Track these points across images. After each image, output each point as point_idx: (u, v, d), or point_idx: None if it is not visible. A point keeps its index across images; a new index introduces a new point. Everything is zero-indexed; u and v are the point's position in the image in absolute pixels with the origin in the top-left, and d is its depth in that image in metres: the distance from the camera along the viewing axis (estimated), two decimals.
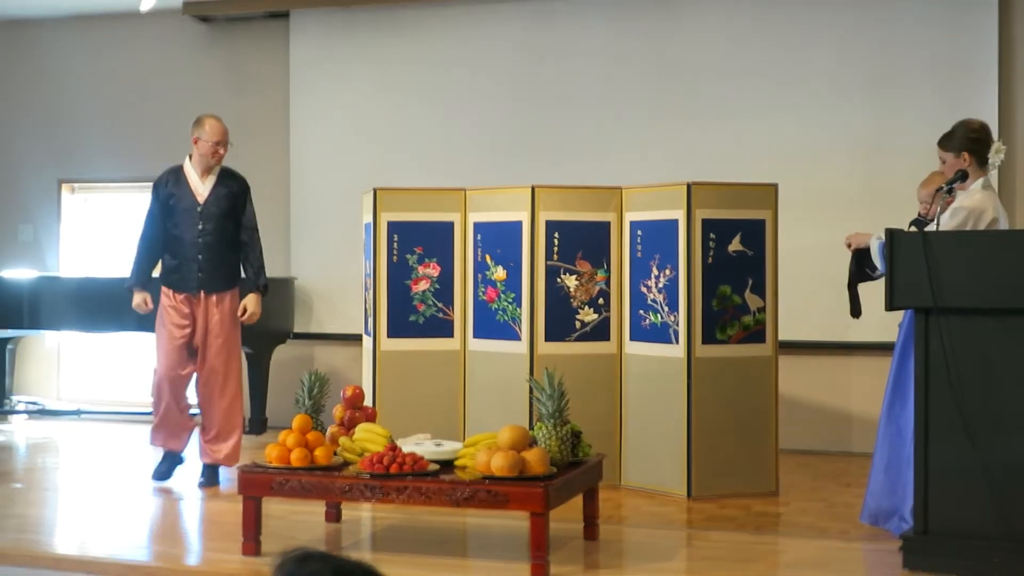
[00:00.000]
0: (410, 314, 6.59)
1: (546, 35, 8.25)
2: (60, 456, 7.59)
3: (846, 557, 4.98)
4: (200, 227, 6.23)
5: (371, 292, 6.66)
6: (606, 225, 6.39)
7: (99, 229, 9.53)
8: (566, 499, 4.73)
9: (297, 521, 5.46)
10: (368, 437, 4.99)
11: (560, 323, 6.34)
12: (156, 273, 6.47)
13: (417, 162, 8.37)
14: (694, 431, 6.05)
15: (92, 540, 5.33)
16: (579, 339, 6.36)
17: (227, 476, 6.32)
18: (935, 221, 4.80)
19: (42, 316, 8.30)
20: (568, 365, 5.85)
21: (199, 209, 6.24)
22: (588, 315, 6.37)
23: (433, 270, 6.61)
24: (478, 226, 6.57)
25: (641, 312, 6.28)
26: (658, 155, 7.85)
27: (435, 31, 8.50)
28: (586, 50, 8.14)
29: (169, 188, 6.29)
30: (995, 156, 5.04)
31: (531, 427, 5.08)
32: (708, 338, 6.10)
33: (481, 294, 6.54)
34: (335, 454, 4.92)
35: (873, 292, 5.28)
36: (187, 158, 6.35)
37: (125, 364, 9.22)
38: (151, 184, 6.47)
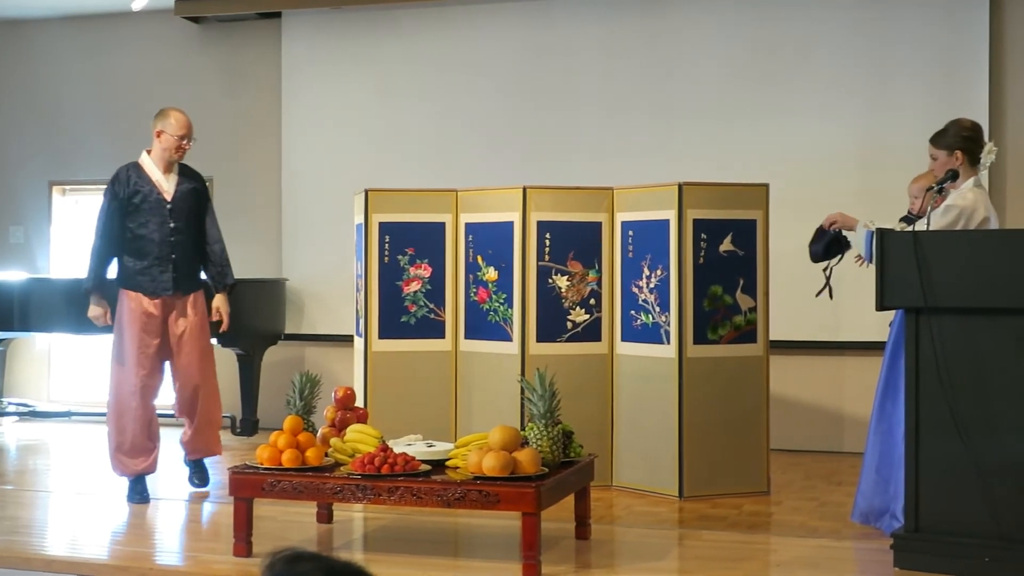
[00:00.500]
0: (401, 315, 6.58)
1: (538, 36, 8.25)
2: (51, 458, 7.58)
3: (838, 556, 4.99)
4: (172, 225, 5.97)
5: (362, 293, 6.65)
6: (597, 225, 6.39)
7: (90, 231, 9.49)
8: (558, 499, 4.72)
9: (288, 522, 5.45)
10: (359, 438, 4.99)
11: (551, 323, 6.34)
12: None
13: (409, 163, 8.37)
14: (685, 431, 6.06)
15: (83, 541, 5.32)
16: (570, 339, 6.36)
17: (218, 479, 6.31)
18: (926, 219, 4.81)
19: (32, 318, 8.29)
20: (560, 365, 5.84)
21: (168, 207, 5.98)
22: (579, 315, 6.37)
23: (424, 271, 6.61)
24: (470, 227, 6.57)
25: (632, 312, 6.28)
26: (650, 155, 7.86)
27: (426, 31, 8.50)
28: (578, 51, 8.14)
29: (132, 185, 5.95)
30: (987, 157, 5.07)
31: (522, 427, 5.08)
32: (699, 338, 6.11)
33: (472, 295, 6.54)
34: (326, 455, 4.92)
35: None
36: (144, 153, 6.05)
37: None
38: None
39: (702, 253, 6.12)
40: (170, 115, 5.99)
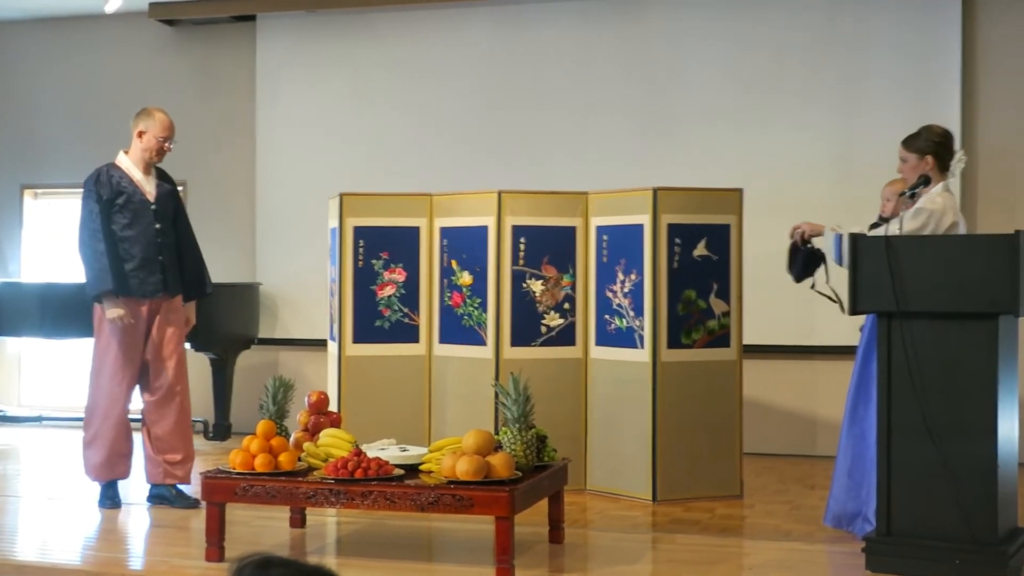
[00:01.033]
0: (375, 319, 6.57)
1: (515, 40, 8.26)
2: (21, 463, 7.52)
3: (810, 559, 5.00)
4: (158, 226, 5.86)
5: (336, 297, 6.63)
6: (572, 230, 6.40)
7: (62, 235, 9.45)
8: (531, 503, 4.72)
9: (261, 527, 5.43)
10: (333, 442, 4.97)
11: (526, 328, 6.34)
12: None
13: (384, 166, 8.35)
14: (659, 435, 6.07)
15: (54, 547, 5.28)
16: (545, 344, 6.36)
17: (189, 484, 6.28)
18: (899, 220, 4.84)
19: (3, 322, 8.21)
20: (534, 370, 5.84)
21: (153, 207, 5.86)
22: (554, 320, 6.38)
23: (399, 275, 6.60)
24: (444, 231, 6.56)
25: (607, 317, 6.29)
26: (625, 161, 7.88)
27: (402, 35, 8.49)
28: (555, 55, 8.15)
29: (115, 185, 5.80)
30: (957, 164, 5.14)
31: (496, 432, 5.08)
32: (673, 342, 6.12)
33: (447, 299, 6.53)
34: (299, 459, 4.90)
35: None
36: (122, 153, 5.91)
37: (87, 371, 9.12)
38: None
39: (676, 258, 6.14)
40: (154, 115, 5.88)
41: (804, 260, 5.40)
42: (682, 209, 6.16)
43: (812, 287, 5.41)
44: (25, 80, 9.37)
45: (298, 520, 5.44)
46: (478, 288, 6.41)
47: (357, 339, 6.56)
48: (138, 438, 6.06)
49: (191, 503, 5.85)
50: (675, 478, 6.09)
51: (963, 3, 7.44)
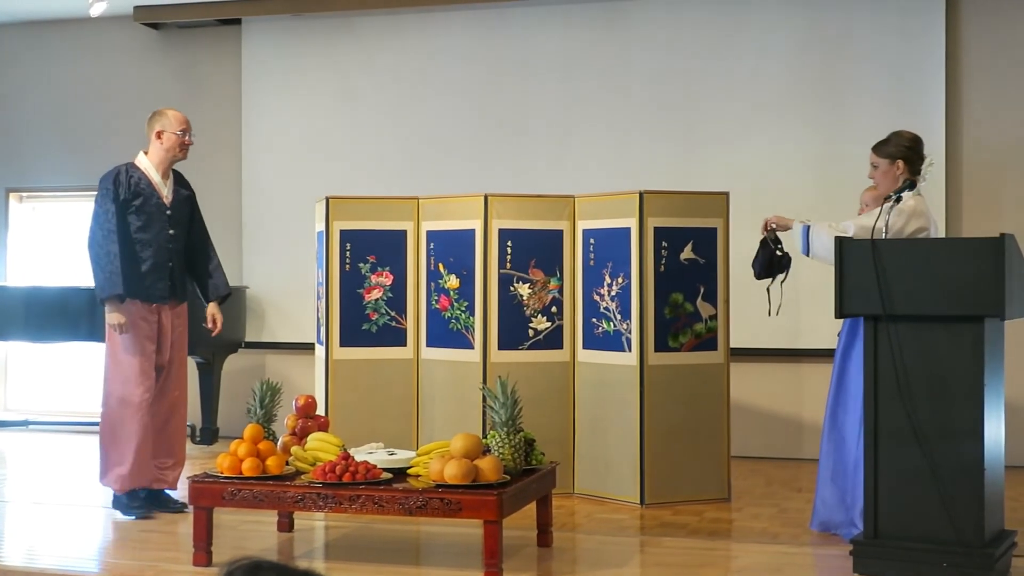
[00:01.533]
0: (363, 323, 6.57)
1: (501, 44, 8.26)
2: (8, 467, 7.49)
3: (798, 562, 5.01)
4: (170, 232, 5.82)
5: (323, 301, 6.63)
6: (559, 233, 6.40)
7: (48, 238, 9.43)
8: (519, 507, 4.72)
9: (249, 531, 5.42)
10: (320, 446, 4.97)
11: (513, 331, 6.34)
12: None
13: (371, 170, 8.35)
14: (647, 438, 6.07)
15: (41, 551, 5.26)
16: (532, 347, 6.36)
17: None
18: (884, 228, 4.86)
19: None
20: (521, 373, 5.85)
21: (168, 212, 5.83)
22: (541, 323, 6.38)
23: (386, 279, 6.59)
24: (431, 235, 6.56)
25: (594, 320, 6.30)
26: (612, 164, 7.89)
27: (387, 39, 8.49)
28: (541, 59, 8.16)
29: (133, 186, 5.73)
30: (927, 170, 5.24)
31: (484, 435, 5.08)
32: (660, 346, 6.13)
33: (434, 302, 6.53)
34: (287, 463, 4.90)
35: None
36: (141, 154, 5.86)
37: (73, 374, 9.12)
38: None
39: (663, 261, 6.15)
40: (167, 113, 5.85)
41: (767, 262, 5.48)
42: (668, 212, 6.17)
43: (767, 285, 5.49)
44: (10, 83, 9.34)
45: (286, 524, 5.43)
46: (465, 292, 6.41)
47: (344, 343, 6.55)
48: None
49: (178, 507, 5.83)
50: (663, 481, 6.10)
51: (947, 9, 7.47)
